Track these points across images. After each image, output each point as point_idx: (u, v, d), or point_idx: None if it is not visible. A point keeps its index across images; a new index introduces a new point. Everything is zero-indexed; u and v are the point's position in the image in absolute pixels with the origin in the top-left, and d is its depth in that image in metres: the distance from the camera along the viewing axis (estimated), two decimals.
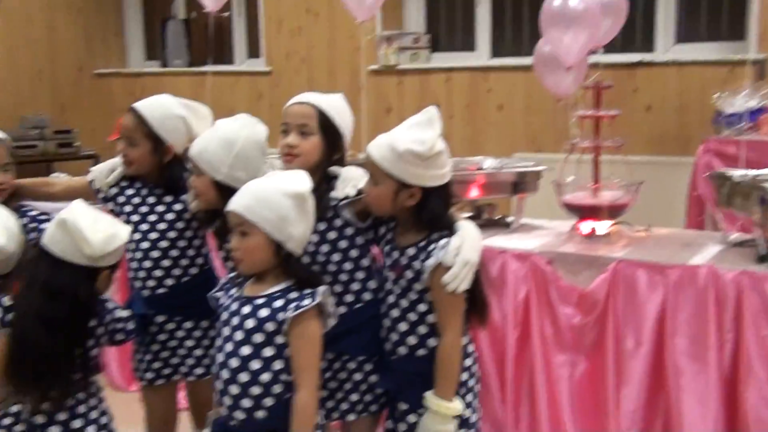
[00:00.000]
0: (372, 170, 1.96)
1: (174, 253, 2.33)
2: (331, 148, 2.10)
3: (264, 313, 1.79)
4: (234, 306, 1.85)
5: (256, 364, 1.78)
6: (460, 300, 1.92)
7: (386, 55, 5.75)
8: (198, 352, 2.38)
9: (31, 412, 1.93)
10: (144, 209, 2.35)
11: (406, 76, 5.78)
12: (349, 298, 2.10)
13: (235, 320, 1.82)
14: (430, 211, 1.94)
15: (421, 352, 1.98)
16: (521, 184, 3.03)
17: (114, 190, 2.40)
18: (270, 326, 1.79)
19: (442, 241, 1.90)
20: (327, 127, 2.08)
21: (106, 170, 2.42)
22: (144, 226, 2.34)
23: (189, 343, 2.37)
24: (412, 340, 1.99)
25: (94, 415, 1.98)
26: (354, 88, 5.90)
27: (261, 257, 1.82)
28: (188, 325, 2.36)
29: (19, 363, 1.87)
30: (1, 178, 2.34)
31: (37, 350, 1.85)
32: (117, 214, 2.38)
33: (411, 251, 1.96)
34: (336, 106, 2.13)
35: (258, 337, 1.79)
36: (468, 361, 2.00)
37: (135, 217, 2.35)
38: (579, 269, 2.68)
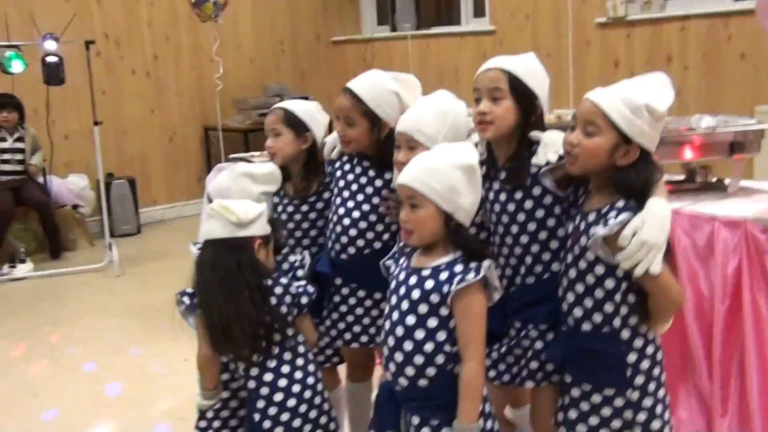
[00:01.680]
0: (592, 120, 1.83)
1: (362, 225, 2.39)
2: (525, 110, 2.04)
3: (429, 284, 1.82)
4: (402, 276, 1.89)
5: (420, 334, 1.81)
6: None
7: (615, 6, 5.49)
8: (366, 321, 2.45)
9: (242, 375, 2.13)
10: (350, 177, 2.45)
11: (635, 27, 5.48)
12: (538, 268, 2.06)
13: (402, 290, 1.86)
14: (641, 173, 1.81)
15: (585, 327, 1.89)
16: (740, 144, 2.79)
17: (334, 158, 2.51)
18: (435, 298, 1.81)
19: (622, 216, 1.77)
20: (518, 89, 2.02)
21: (331, 145, 2.52)
22: (345, 193, 2.44)
23: (359, 311, 2.44)
24: (578, 312, 1.90)
25: (298, 375, 2.11)
26: (580, 43, 5.72)
27: (430, 229, 1.84)
28: (361, 293, 2.43)
29: (212, 330, 2.07)
30: (269, 143, 2.53)
31: (221, 314, 2.03)
32: (331, 178, 2.50)
33: (591, 217, 1.86)
34: (526, 66, 2.06)
35: (423, 308, 1.82)
36: (650, 349, 1.88)
37: (341, 183, 2.46)
38: None
